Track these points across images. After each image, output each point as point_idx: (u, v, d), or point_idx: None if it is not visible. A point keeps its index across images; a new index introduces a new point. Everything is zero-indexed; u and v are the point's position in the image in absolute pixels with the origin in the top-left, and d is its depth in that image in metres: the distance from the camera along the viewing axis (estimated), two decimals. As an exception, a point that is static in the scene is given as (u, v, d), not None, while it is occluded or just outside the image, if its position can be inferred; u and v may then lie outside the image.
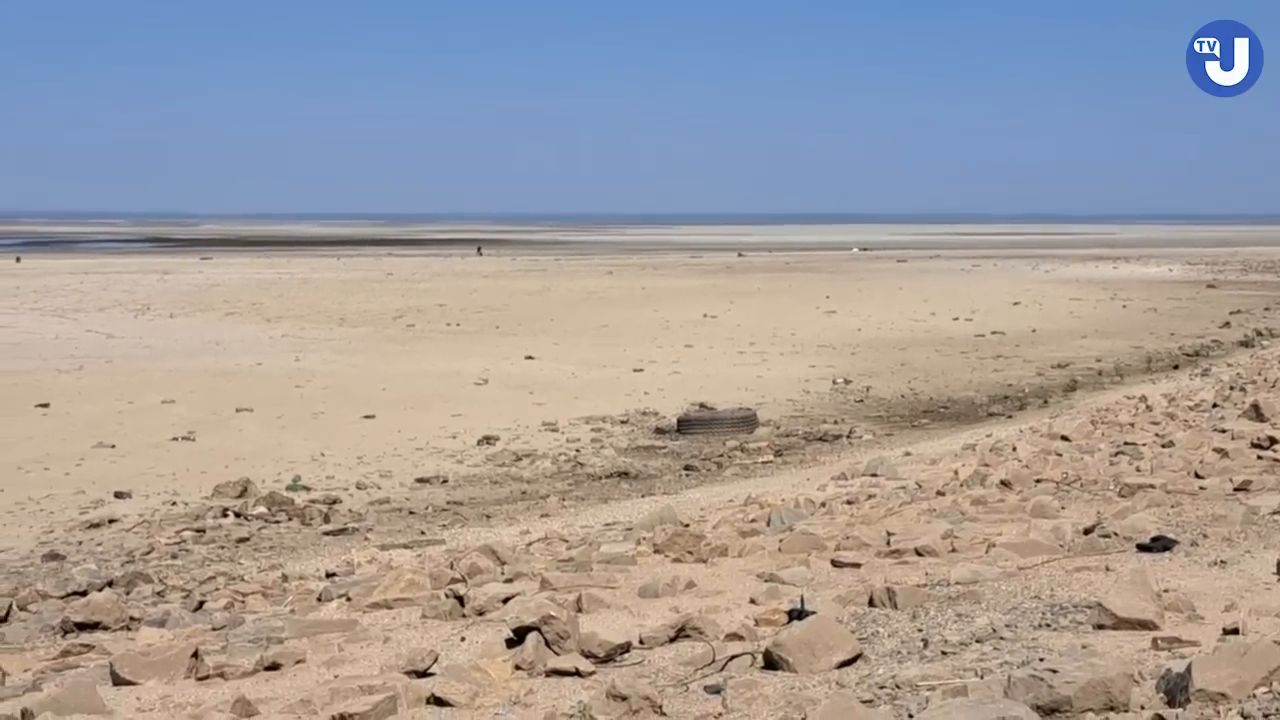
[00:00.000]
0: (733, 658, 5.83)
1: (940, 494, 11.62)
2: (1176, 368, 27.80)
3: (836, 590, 7.29)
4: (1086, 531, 8.56)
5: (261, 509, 14.90)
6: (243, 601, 9.84)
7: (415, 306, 44.38)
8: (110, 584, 10.99)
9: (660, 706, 5.16)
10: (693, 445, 19.42)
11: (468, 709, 5.46)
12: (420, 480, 16.91)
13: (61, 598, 10.40)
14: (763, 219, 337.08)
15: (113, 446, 18.77)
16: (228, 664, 6.59)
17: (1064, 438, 15.56)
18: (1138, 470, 11.89)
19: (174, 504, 15.46)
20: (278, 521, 14.57)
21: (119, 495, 15.76)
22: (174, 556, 12.94)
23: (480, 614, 7.37)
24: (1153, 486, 10.29)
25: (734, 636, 6.22)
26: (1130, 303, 45.70)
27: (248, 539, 13.76)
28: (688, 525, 10.99)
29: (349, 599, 8.49)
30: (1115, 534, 8.21)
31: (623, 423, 21.28)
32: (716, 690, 5.39)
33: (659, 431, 20.62)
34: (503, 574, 8.86)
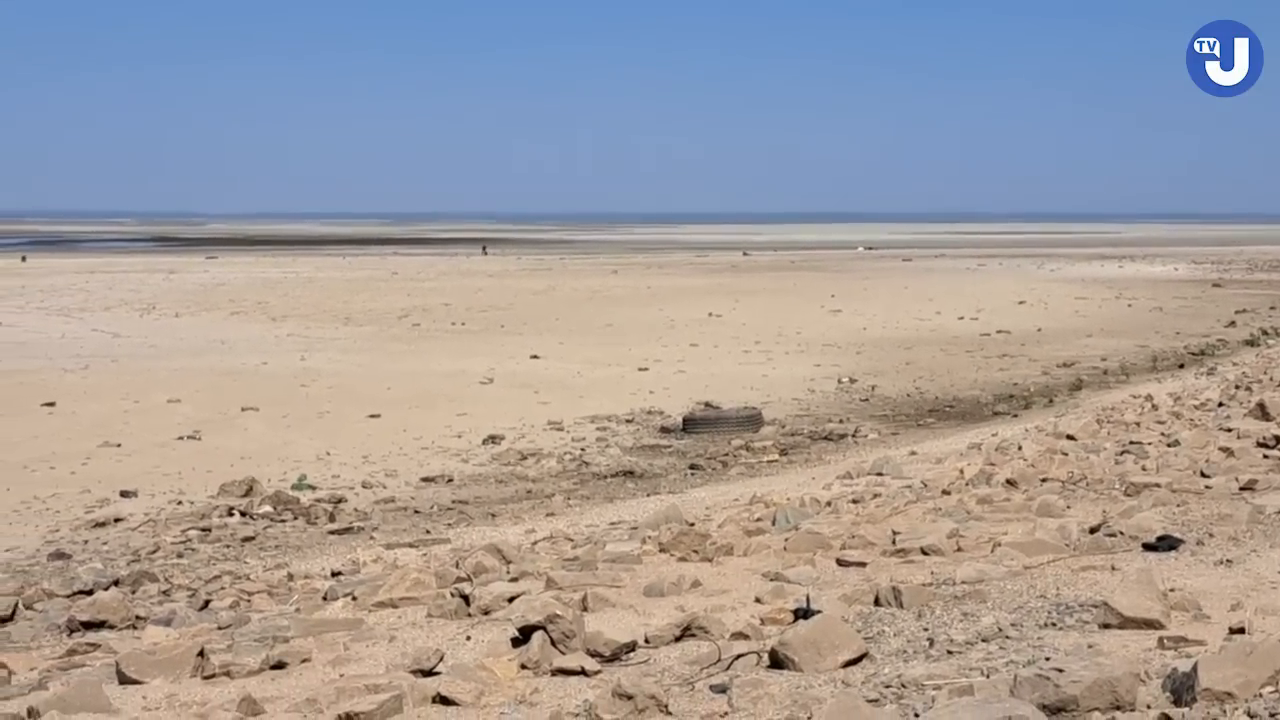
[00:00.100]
0: (738, 657, 5.83)
1: (946, 493, 11.61)
2: (1182, 367, 27.77)
3: (842, 589, 7.28)
4: (1092, 531, 8.55)
5: (267, 508, 14.91)
6: (248, 600, 9.85)
7: (420, 306, 44.40)
8: (116, 583, 11.00)
9: (666, 705, 5.16)
10: (698, 444, 19.42)
11: (473, 708, 5.47)
12: (425, 479, 16.92)
13: (67, 596, 10.41)
14: (767, 218, 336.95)
15: (118, 446, 18.79)
16: (233, 663, 6.59)
17: (1069, 437, 15.55)
18: (1143, 469, 11.88)
19: (180, 503, 15.47)
20: (283, 520, 14.58)
21: (125, 494, 15.78)
22: (180, 555, 12.96)
23: (486, 613, 7.37)
24: (1158, 485, 10.28)
25: (739, 635, 6.22)
26: (1136, 302, 45.65)
27: (253, 538, 13.76)
28: (693, 524, 10.98)
29: (354, 598, 8.50)
30: (1121, 533, 8.20)
31: (628, 422, 21.28)
32: (722, 689, 5.39)
33: (664, 430, 20.62)
34: (508, 573, 8.86)
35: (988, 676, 5.07)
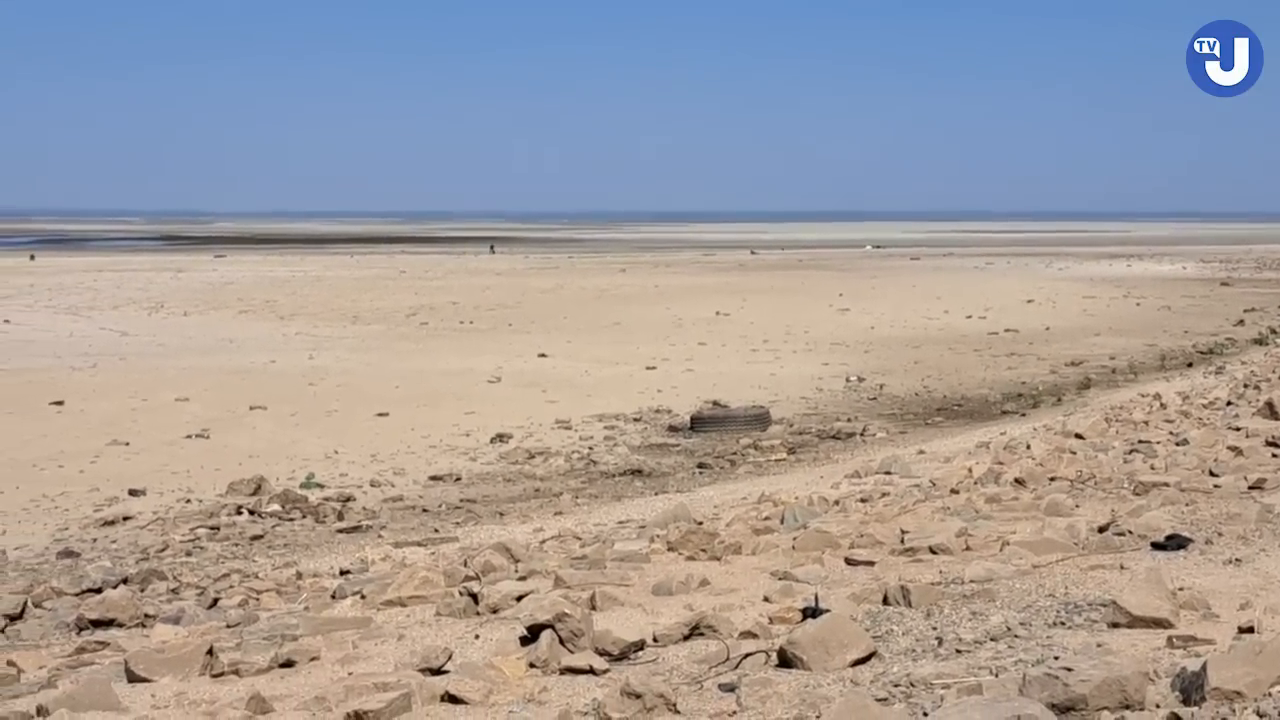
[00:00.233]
0: (747, 655, 5.82)
1: (954, 492, 11.60)
2: (1190, 365, 27.73)
3: (851, 588, 7.28)
4: (1101, 530, 8.54)
5: (275, 506, 14.93)
6: (257, 599, 9.86)
7: (428, 304, 44.43)
8: (125, 581, 11.03)
9: (674, 704, 5.16)
10: (706, 443, 19.42)
11: (482, 706, 5.47)
12: (434, 478, 16.94)
13: (76, 595, 10.43)
14: (775, 216, 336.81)
15: (127, 444, 18.82)
16: (242, 661, 6.60)
17: (1078, 436, 15.53)
18: (1152, 468, 11.86)
19: (188, 501, 15.50)
20: (292, 519, 14.60)
21: (133, 493, 15.81)
22: (188, 554, 12.98)
23: (494, 612, 7.37)
24: (1167, 484, 10.26)
25: (748, 634, 6.22)
26: (1144, 300, 45.57)
27: (262, 536, 13.79)
28: (701, 523, 10.97)
29: (363, 596, 8.50)
30: (1130, 532, 8.19)
31: (636, 420, 21.29)
32: (731, 688, 5.39)
33: (672, 429, 20.63)
34: (516, 572, 8.86)
35: (996, 675, 5.07)
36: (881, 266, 70.25)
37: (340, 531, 14.08)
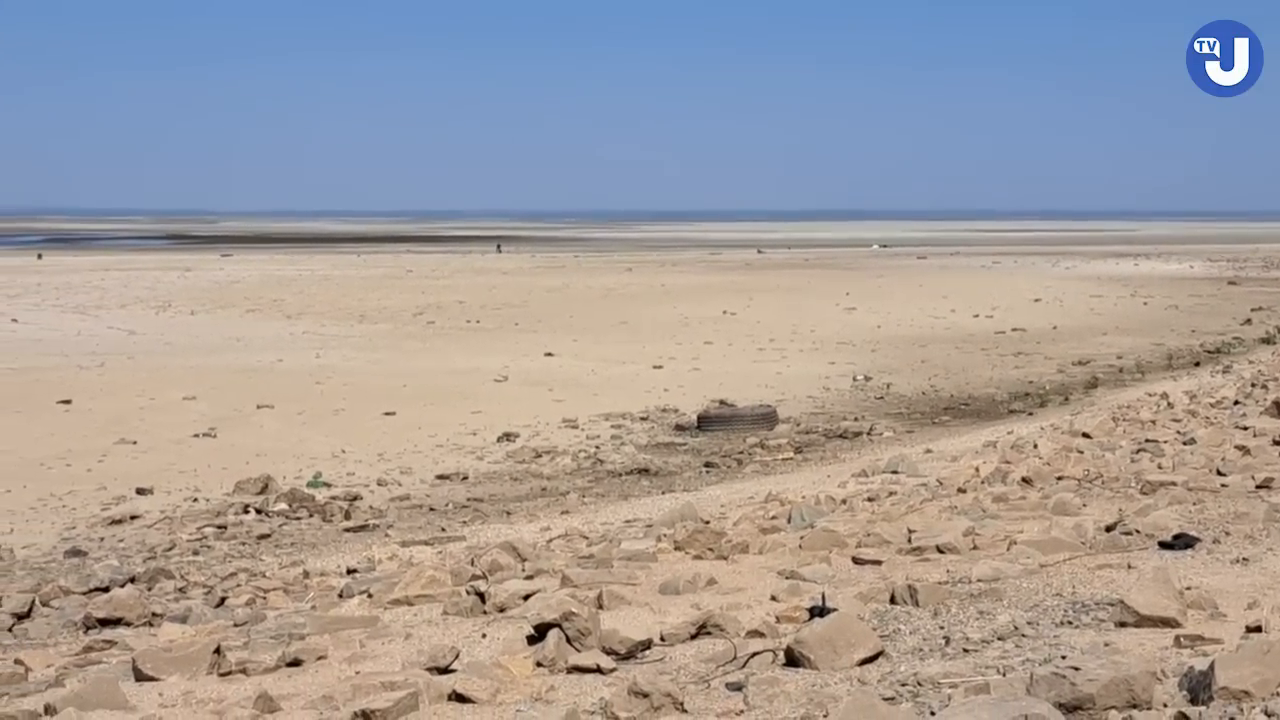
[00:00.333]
0: (754, 655, 5.82)
1: (961, 491, 11.59)
2: (1198, 365, 27.71)
3: (858, 587, 7.27)
4: (1108, 529, 8.53)
5: (282, 505, 14.95)
6: (264, 598, 9.87)
7: (435, 303, 44.46)
8: (132, 580, 11.04)
9: (682, 703, 5.16)
10: (713, 442, 19.42)
11: (489, 705, 5.47)
12: (440, 477, 16.95)
13: (84, 594, 10.45)
14: (782, 215, 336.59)
15: (134, 443, 18.85)
16: (249, 660, 6.61)
17: (1085, 435, 15.51)
18: (1159, 467, 11.84)
19: (195, 500, 15.53)
20: (299, 518, 14.61)
21: (141, 491, 15.83)
22: (196, 553, 13.00)
23: (501, 611, 7.37)
24: (1174, 484, 10.25)
25: (755, 634, 6.22)
26: (1151, 300, 45.53)
27: (269, 535, 13.80)
28: (708, 522, 10.97)
29: (370, 595, 8.51)
30: (1137, 531, 8.18)
31: (642, 419, 21.30)
32: (738, 687, 5.39)
33: (679, 428, 20.63)
34: (523, 571, 8.86)
35: (1004, 675, 5.06)
36: (888, 265, 70.19)
37: (347, 530, 14.10)
